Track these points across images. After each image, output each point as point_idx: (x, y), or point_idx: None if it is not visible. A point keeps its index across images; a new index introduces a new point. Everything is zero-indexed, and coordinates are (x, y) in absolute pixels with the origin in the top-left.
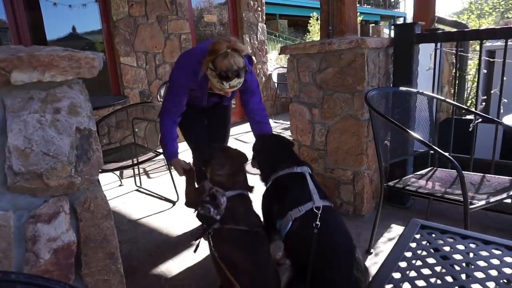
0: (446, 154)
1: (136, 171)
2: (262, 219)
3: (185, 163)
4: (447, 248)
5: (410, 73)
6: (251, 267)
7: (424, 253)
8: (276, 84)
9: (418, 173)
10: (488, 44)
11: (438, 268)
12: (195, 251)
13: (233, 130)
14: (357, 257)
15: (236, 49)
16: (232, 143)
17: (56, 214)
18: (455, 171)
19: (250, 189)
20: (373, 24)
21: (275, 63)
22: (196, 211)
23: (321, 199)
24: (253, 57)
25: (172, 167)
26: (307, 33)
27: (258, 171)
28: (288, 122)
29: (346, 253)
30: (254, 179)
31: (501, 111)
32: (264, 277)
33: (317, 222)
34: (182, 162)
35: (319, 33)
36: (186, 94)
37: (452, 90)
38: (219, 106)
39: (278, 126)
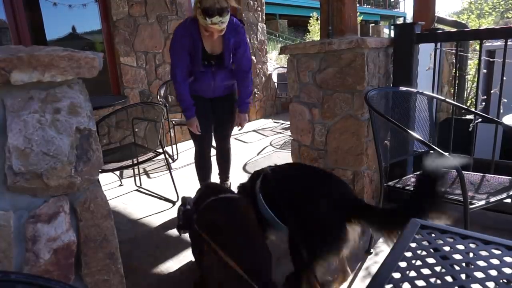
0: (446, 154)
1: (136, 171)
2: None
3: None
4: (447, 248)
5: (410, 73)
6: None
7: (424, 253)
8: (276, 84)
9: (418, 173)
10: (488, 44)
11: (438, 268)
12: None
13: (252, 125)
14: None
15: None
16: (232, 143)
17: (56, 214)
18: (455, 171)
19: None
20: (373, 24)
21: (275, 63)
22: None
23: None
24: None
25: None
26: (307, 33)
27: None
28: (288, 122)
29: None
30: None
31: (501, 111)
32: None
33: None
34: (195, 126)
35: (319, 33)
36: (187, 54)
37: (452, 90)
38: (225, 99)
39: (278, 126)
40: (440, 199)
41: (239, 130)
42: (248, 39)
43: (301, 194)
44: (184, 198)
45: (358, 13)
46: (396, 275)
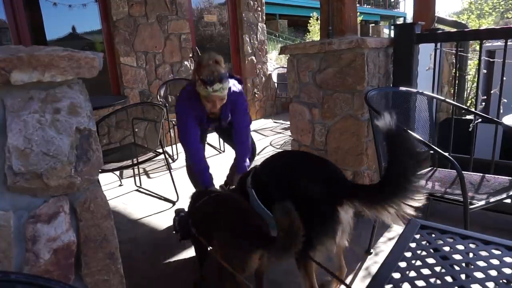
0: (446, 154)
1: (136, 171)
2: None
3: None
4: (447, 248)
5: (410, 73)
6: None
7: (424, 253)
8: (276, 84)
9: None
10: (488, 44)
11: (438, 268)
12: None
13: (252, 125)
14: None
15: (216, 60)
16: (252, 136)
17: (56, 214)
18: (455, 171)
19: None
20: (373, 24)
21: (275, 63)
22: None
23: None
24: (254, 57)
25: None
26: (307, 33)
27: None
28: (288, 122)
29: None
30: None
31: (501, 111)
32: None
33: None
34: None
35: (319, 33)
36: (195, 122)
37: (452, 90)
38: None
39: (278, 126)
40: (415, 156)
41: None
42: (245, 97)
43: (291, 182)
44: (177, 210)
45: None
46: (396, 275)
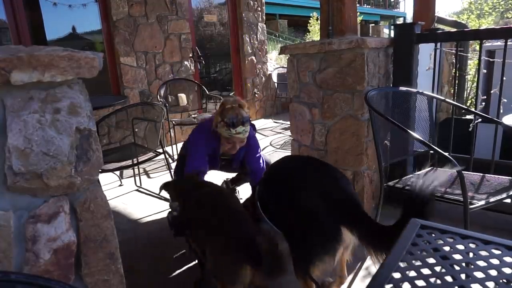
0: (446, 154)
1: (136, 171)
2: None
3: None
4: (447, 248)
5: (410, 73)
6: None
7: (424, 253)
8: (276, 84)
9: (418, 173)
10: (488, 44)
11: (438, 268)
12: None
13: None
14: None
15: (240, 104)
16: None
17: (56, 214)
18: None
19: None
20: (373, 24)
21: (275, 63)
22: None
23: None
24: (253, 57)
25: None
26: (307, 33)
27: None
28: (288, 122)
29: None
30: None
31: (501, 111)
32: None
33: None
34: None
35: (319, 33)
36: (205, 159)
37: (452, 90)
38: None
39: (278, 126)
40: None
41: None
42: (258, 142)
43: (297, 196)
44: (171, 205)
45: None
46: (396, 275)
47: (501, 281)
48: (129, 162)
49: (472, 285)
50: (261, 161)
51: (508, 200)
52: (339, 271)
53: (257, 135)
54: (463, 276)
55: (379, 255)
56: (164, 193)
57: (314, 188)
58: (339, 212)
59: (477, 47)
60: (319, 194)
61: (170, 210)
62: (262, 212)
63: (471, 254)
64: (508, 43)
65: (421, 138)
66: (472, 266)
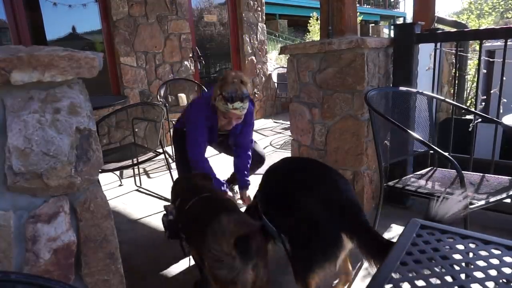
0: (446, 154)
1: (136, 171)
2: None
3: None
4: (447, 248)
5: (410, 73)
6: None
7: (424, 253)
8: (276, 84)
9: (418, 173)
10: (487, 44)
11: (438, 268)
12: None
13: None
14: None
15: (242, 80)
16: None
17: (56, 214)
18: (454, 171)
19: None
20: (373, 24)
21: (275, 63)
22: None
23: None
24: (254, 57)
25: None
26: (307, 33)
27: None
28: (288, 122)
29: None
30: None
31: (501, 111)
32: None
33: None
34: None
35: (319, 33)
36: (205, 132)
37: (452, 90)
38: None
39: (278, 126)
40: None
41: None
42: (254, 118)
43: (296, 200)
44: (166, 208)
45: (358, 13)
46: (396, 275)
47: (501, 281)
48: (129, 162)
49: (472, 285)
50: (250, 137)
51: (508, 200)
52: (343, 268)
53: (257, 135)
54: (463, 276)
55: (378, 265)
56: (164, 193)
57: (314, 193)
58: (340, 218)
59: (477, 47)
60: (320, 199)
61: (164, 212)
62: (264, 216)
63: (471, 254)
64: (508, 43)
65: (421, 138)
66: (472, 266)
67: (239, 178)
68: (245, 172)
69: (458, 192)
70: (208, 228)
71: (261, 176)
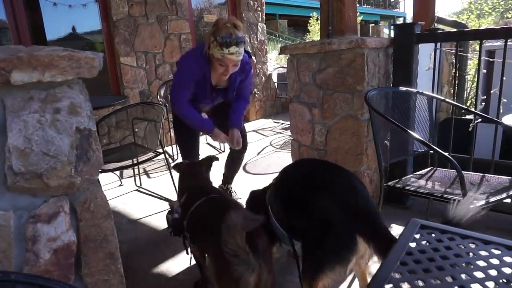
0: (446, 154)
1: (136, 171)
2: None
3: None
4: (447, 248)
5: (410, 73)
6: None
7: (424, 253)
8: (276, 84)
9: (418, 173)
10: (487, 44)
11: (438, 268)
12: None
13: (252, 125)
14: None
15: (235, 24)
16: (252, 136)
17: (56, 214)
18: (454, 171)
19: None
20: (373, 24)
21: (275, 63)
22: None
23: None
24: (253, 57)
25: (213, 138)
26: (307, 33)
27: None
28: (288, 122)
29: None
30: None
31: (501, 111)
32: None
33: None
34: (223, 134)
35: (319, 33)
36: (192, 85)
37: (452, 90)
38: (225, 105)
39: (278, 126)
40: None
41: (237, 149)
42: (252, 71)
43: (312, 200)
44: (171, 204)
45: (358, 13)
46: (396, 275)
47: (501, 281)
48: (129, 162)
49: (472, 285)
50: (250, 89)
51: (508, 200)
52: (361, 275)
53: (257, 135)
54: (463, 276)
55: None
56: (164, 193)
57: (330, 194)
58: (356, 221)
59: (477, 47)
60: (336, 200)
61: (170, 209)
62: (275, 217)
63: (471, 254)
64: (508, 43)
65: (421, 138)
66: (472, 266)
67: (233, 116)
68: (240, 115)
69: (473, 194)
70: (218, 228)
71: (260, 176)
